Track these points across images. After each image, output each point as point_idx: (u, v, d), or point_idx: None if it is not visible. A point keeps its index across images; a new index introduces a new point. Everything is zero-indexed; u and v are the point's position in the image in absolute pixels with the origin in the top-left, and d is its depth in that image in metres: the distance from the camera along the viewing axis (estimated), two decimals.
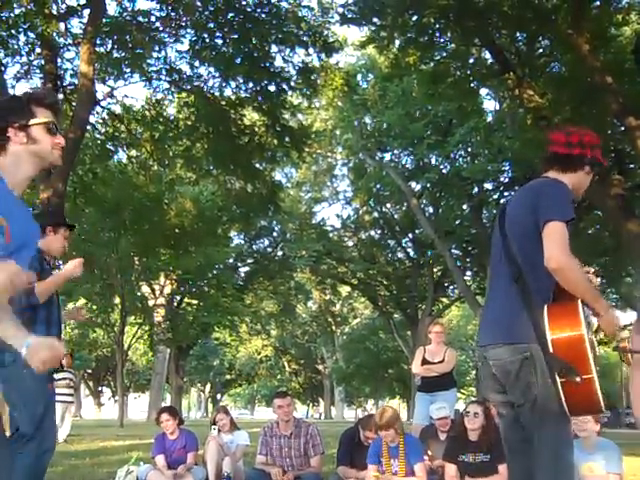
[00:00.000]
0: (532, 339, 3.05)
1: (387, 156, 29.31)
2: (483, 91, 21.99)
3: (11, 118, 2.69)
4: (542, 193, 3.24)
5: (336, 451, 7.36)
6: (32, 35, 16.62)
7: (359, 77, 27.85)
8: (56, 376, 14.65)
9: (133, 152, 22.32)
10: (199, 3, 16.84)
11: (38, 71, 18.04)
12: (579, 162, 3.35)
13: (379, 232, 34.43)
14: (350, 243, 36.13)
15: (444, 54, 18.07)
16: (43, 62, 17.22)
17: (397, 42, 17.98)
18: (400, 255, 34.99)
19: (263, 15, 17.15)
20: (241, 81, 18.51)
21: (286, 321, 48.57)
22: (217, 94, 19.10)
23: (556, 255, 3.00)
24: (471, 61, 18.64)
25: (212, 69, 18.48)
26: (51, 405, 4.59)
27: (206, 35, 17.49)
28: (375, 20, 17.69)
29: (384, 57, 21.23)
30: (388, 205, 32.87)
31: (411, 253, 33.82)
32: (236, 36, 17.25)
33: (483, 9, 15.84)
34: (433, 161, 27.24)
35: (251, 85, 18.52)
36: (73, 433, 14.70)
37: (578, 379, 2.88)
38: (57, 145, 2.73)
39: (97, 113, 19.17)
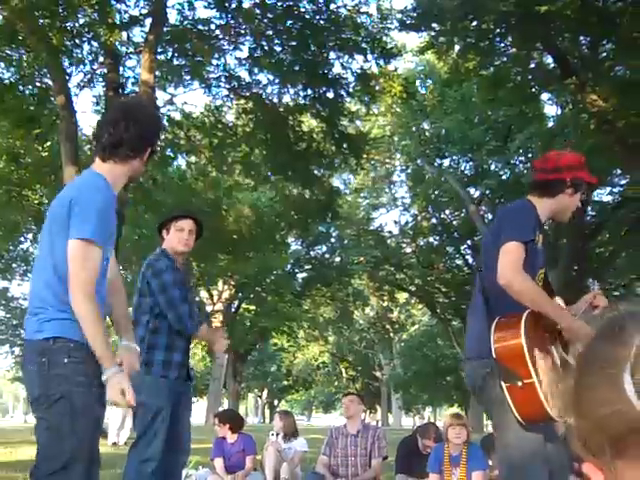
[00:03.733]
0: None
1: (446, 162, 29.12)
2: (544, 96, 21.65)
3: (156, 140, 3.06)
4: (503, 215, 3.48)
5: (394, 459, 7.33)
6: (95, 44, 17.04)
7: (418, 83, 27.69)
8: None
9: (192, 158, 22.66)
10: (258, 11, 17.01)
11: (101, 79, 18.44)
12: (556, 187, 3.44)
13: (437, 239, 34.14)
14: (408, 249, 35.89)
15: (504, 59, 17.85)
16: (106, 70, 17.60)
17: (456, 47, 17.84)
18: (459, 262, 34.66)
19: (322, 22, 17.25)
20: (299, 88, 18.63)
21: (343, 327, 48.51)
22: (275, 101, 19.29)
23: (505, 273, 3.10)
24: (532, 66, 18.37)
25: (271, 76, 18.69)
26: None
27: (265, 42, 17.68)
28: (434, 25, 17.56)
29: (443, 63, 21.11)
30: (447, 211, 32.60)
31: (470, 260, 33.48)
32: (294, 43, 17.40)
33: (545, 13, 15.62)
34: (493, 167, 26.96)
35: (309, 92, 18.62)
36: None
37: (520, 383, 2.97)
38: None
39: None
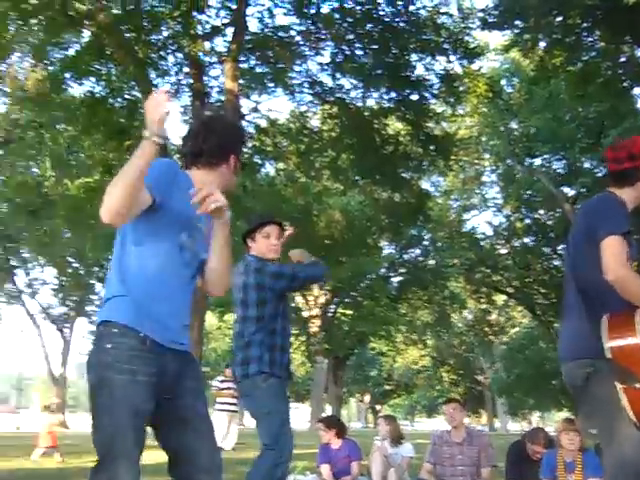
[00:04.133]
0: (596, 353, 3.03)
1: (537, 161, 28.43)
2: (637, 90, 20.88)
3: (237, 147, 3.15)
4: (592, 211, 3.36)
5: (503, 465, 7.19)
6: (180, 55, 17.46)
7: (503, 82, 27.15)
8: (221, 386, 15.09)
9: (280, 165, 22.87)
10: (337, 16, 17.04)
11: (187, 89, 18.88)
12: (632, 176, 3.34)
13: (533, 239, 33.43)
14: (503, 251, 35.30)
15: (593, 54, 17.33)
16: (191, 80, 17.99)
17: (542, 44, 17.45)
18: (556, 262, 33.79)
19: (402, 24, 17.13)
20: (383, 91, 18.54)
21: (442, 331, 48.00)
22: (360, 105, 19.24)
23: (611, 268, 3.03)
24: (622, 60, 17.73)
25: (354, 80, 18.64)
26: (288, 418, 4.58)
27: (346, 47, 17.68)
28: (517, 23, 17.23)
29: (529, 60, 20.60)
30: (541, 211, 31.89)
31: None
32: (376, 46, 17.33)
33: (633, 5, 15.06)
34: (587, 165, 26.16)
35: (393, 95, 18.50)
36: (239, 441, 14.91)
37: (638, 385, 2.89)
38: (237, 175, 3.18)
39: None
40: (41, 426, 13.16)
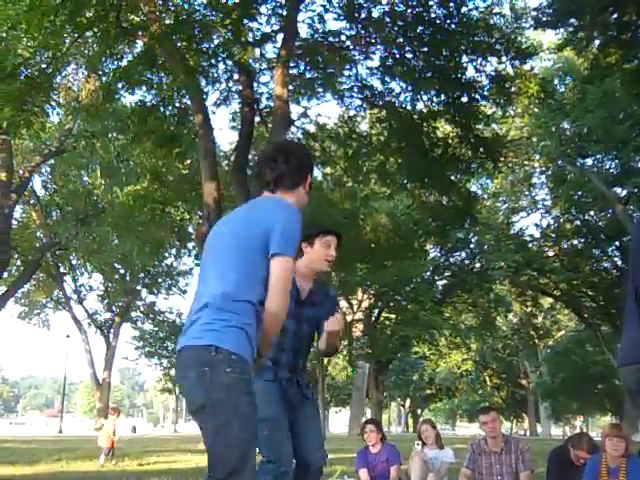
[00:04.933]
0: None
1: (589, 161, 27.99)
2: None
3: (310, 167, 3.39)
4: None
5: (545, 470, 7.04)
6: (230, 63, 17.44)
7: (556, 81, 26.84)
8: None
9: (328, 169, 22.83)
10: (388, 19, 16.93)
11: (236, 96, 18.91)
12: None
13: (582, 241, 32.97)
14: (551, 253, 34.88)
15: None
16: (241, 87, 18.00)
17: (596, 42, 17.19)
18: (606, 264, 33.31)
19: (453, 26, 16.95)
20: (433, 94, 18.37)
21: (486, 334, 47.59)
22: (409, 108, 19.08)
23: None
24: None
25: (403, 83, 18.51)
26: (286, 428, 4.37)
27: (396, 50, 17.55)
28: (572, 21, 17.00)
29: (583, 58, 20.32)
30: (591, 212, 31.46)
31: (618, 262, 32.09)
32: (426, 49, 17.18)
33: None
34: None
35: (443, 97, 18.31)
36: None
37: None
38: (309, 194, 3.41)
39: (292, 133, 19.76)
40: (106, 428, 13.37)
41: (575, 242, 33.62)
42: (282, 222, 2.97)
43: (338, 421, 69.66)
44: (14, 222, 31.78)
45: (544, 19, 16.86)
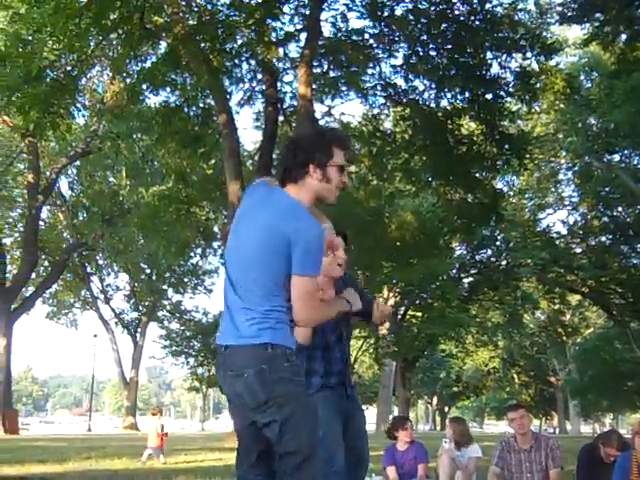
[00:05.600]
0: None
1: (616, 157, 27.70)
2: None
3: (316, 155, 3.04)
4: None
5: (575, 468, 6.96)
6: (253, 62, 17.54)
7: (582, 77, 26.58)
8: None
9: (352, 168, 22.77)
10: (411, 17, 16.86)
11: (260, 96, 18.94)
12: None
13: (610, 237, 32.63)
14: (578, 250, 34.57)
15: None
16: (264, 87, 18.04)
17: (623, 36, 17.00)
18: (635, 261, 32.93)
19: (477, 22, 16.85)
20: (457, 91, 18.27)
21: (513, 332, 47.28)
22: (433, 106, 18.99)
23: None
24: None
25: (427, 81, 18.42)
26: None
27: (420, 48, 17.49)
28: (597, 15, 16.81)
29: (609, 53, 20.05)
30: (619, 208, 31.13)
31: None
32: (450, 46, 17.10)
33: None
34: None
35: (467, 94, 18.22)
36: None
37: None
38: (343, 184, 3.11)
39: None
40: (150, 428, 13.48)
41: (603, 239, 33.29)
42: (304, 238, 2.90)
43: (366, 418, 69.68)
44: (41, 223, 32.15)
45: (569, 14, 16.69)
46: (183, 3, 16.22)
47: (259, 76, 18.36)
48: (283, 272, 2.94)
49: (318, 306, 3.06)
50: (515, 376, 58.39)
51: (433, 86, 18.47)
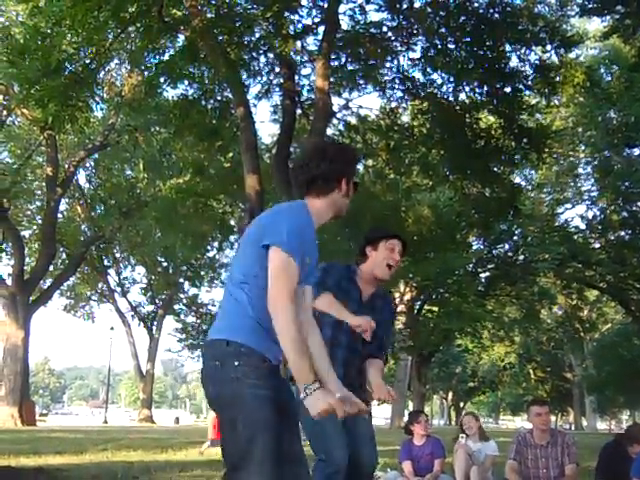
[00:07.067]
0: None
1: (636, 151, 27.49)
2: None
3: (348, 170, 3.05)
4: None
5: (595, 464, 6.92)
6: (271, 55, 17.53)
7: (602, 70, 26.35)
8: None
9: (369, 162, 22.73)
10: (430, 9, 16.77)
11: (278, 89, 18.90)
12: None
13: (629, 232, 32.36)
14: (597, 245, 34.32)
15: None
16: (282, 80, 18.01)
17: None
18: None
19: (496, 15, 16.73)
20: (475, 85, 18.16)
21: (530, 327, 47.08)
22: (451, 99, 18.89)
23: None
24: None
25: (445, 75, 18.32)
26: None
27: (438, 41, 17.40)
28: (618, 8, 16.65)
29: (629, 46, 19.85)
30: (639, 203, 30.87)
31: None
32: (469, 39, 16.99)
33: None
34: None
35: (486, 88, 18.10)
36: None
37: None
38: (350, 197, 3.07)
39: (333, 125, 19.72)
40: (209, 419, 13.68)
41: (622, 234, 32.99)
42: (279, 219, 2.82)
43: (379, 414, 69.47)
44: (59, 216, 32.28)
45: (590, 6, 16.55)
46: None
47: (277, 69, 18.34)
48: (254, 262, 2.79)
49: (288, 289, 2.69)
50: (531, 372, 58.17)
51: (451, 80, 18.35)
